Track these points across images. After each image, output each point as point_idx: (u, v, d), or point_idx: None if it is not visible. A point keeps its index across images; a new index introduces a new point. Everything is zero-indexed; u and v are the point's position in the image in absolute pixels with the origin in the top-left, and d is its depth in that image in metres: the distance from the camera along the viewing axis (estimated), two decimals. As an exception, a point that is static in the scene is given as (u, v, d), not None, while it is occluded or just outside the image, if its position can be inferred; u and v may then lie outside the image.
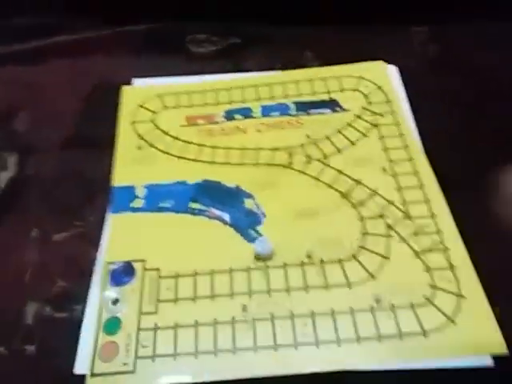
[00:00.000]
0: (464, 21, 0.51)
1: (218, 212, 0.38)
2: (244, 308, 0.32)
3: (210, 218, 0.38)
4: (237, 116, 0.45)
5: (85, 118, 0.46)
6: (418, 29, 0.52)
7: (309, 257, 0.35)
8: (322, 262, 0.34)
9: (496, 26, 0.50)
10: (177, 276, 0.34)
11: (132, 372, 0.30)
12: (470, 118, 0.43)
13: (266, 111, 0.45)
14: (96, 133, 0.44)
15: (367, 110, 0.44)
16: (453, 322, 0.31)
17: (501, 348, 0.30)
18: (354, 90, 0.46)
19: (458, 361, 0.30)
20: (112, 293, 0.33)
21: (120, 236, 0.37)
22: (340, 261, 0.34)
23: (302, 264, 0.34)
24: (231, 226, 0.37)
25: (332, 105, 0.45)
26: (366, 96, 0.45)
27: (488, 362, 0.29)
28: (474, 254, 0.34)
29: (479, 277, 0.33)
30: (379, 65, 0.48)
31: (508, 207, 0.37)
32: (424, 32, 0.52)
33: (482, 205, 0.37)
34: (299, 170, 0.40)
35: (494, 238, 0.35)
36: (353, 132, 0.43)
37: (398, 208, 0.37)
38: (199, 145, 0.42)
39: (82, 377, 0.30)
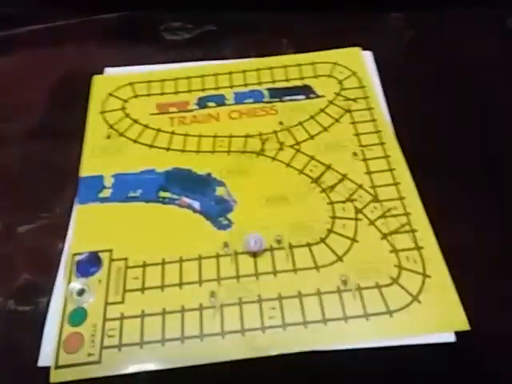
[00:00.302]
0: (439, 7, 0.51)
1: (188, 200, 0.38)
2: (212, 294, 0.32)
3: (180, 206, 0.37)
4: (210, 103, 0.44)
5: (53, 107, 0.45)
6: (395, 15, 0.52)
7: (278, 242, 0.35)
8: (290, 246, 0.34)
9: (470, 12, 0.50)
10: (144, 265, 0.34)
11: (98, 362, 0.30)
12: (441, 103, 0.43)
13: (240, 98, 0.44)
14: (65, 123, 0.44)
15: (341, 95, 0.44)
16: (418, 300, 0.31)
17: (464, 325, 0.30)
18: (329, 76, 0.46)
19: (422, 338, 0.30)
20: (77, 284, 0.33)
21: (87, 227, 0.36)
22: (309, 244, 0.34)
23: (272, 249, 0.34)
24: (201, 213, 0.37)
25: (306, 91, 0.45)
26: (340, 82, 0.45)
27: (451, 338, 0.30)
28: (440, 235, 0.34)
29: (444, 257, 0.33)
30: (354, 51, 0.48)
31: (473, 190, 0.37)
32: (400, 18, 0.52)
33: (449, 188, 0.37)
34: (271, 157, 0.40)
35: (460, 220, 0.35)
36: (326, 118, 0.42)
37: (367, 191, 0.37)
38: (170, 133, 0.42)
39: (48, 370, 0.30)
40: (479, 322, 0.30)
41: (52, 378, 0.29)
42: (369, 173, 0.38)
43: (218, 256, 0.34)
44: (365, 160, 0.39)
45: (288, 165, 0.39)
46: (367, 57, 0.47)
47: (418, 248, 0.34)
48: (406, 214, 0.35)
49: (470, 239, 0.34)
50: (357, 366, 0.30)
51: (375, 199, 0.36)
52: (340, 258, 0.33)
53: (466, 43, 0.48)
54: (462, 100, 0.43)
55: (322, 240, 0.34)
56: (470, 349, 0.30)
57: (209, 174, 0.39)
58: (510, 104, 0.43)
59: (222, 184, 0.38)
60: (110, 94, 0.45)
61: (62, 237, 0.36)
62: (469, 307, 0.31)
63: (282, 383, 0.30)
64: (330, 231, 0.35)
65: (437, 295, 0.31)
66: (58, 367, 0.30)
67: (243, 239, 0.34)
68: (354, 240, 0.34)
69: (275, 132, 0.42)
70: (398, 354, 0.30)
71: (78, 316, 0.32)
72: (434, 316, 0.31)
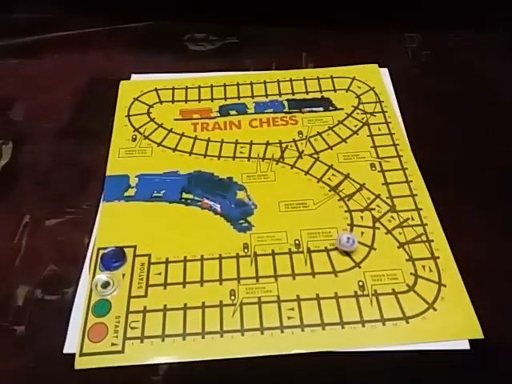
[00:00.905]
0: (454, 29, 0.53)
1: (209, 202, 0.39)
2: (232, 293, 0.33)
3: (202, 208, 0.38)
4: (231, 111, 0.46)
5: (82, 110, 0.47)
6: (411, 35, 0.54)
7: (297, 246, 0.36)
8: (309, 250, 0.35)
9: (482, 35, 0.52)
10: (167, 262, 0.35)
11: (121, 352, 0.31)
12: (455, 119, 0.44)
13: (260, 108, 0.46)
14: (92, 125, 0.45)
15: (359, 109, 0.45)
16: (433, 308, 0.32)
17: (477, 333, 0.31)
18: (347, 90, 0.47)
19: (437, 345, 0.31)
20: (102, 276, 0.34)
21: (112, 223, 0.37)
22: (327, 250, 0.35)
23: (290, 252, 0.35)
24: (222, 215, 0.38)
25: (325, 103, 0.46)
26: (358, 96, 0.47)
27: (465, 345, 0.31)
28: (454, 246, 0.35)
29: (459, 267, 0.34)
30: (372, 67, 0.49)
31: (487, 203, 0.38)
32: (417, 38, 0.54)
33: (463, 201, 0.38)
34: (291, 164, 0.41)
35: (473, 233, 0.36)
36: (344, 129, 0.44)
37: (384, 201, 0.38)
38: (193, 138, 0.43)
39: (72, 357, 0.31)
40: (492, 330, 0.31)
41: (77, 365, 0.30)
42: (386, 184, 0.39)
43: (238, 257, 0.35)
44: (382, 171, 0.40)
45: (307, 173, 0.40)
46: (384, 73, 0.49)
47: (434, 258, 0.35)
48: (423, 225, 0.36)
49: (483, 251, 0.35)
50: (371, 368, 0.31)
51: (393, 209, 0.37)
52: (358, 265, 0.34)
53: (479, 63, 0.50)
54: (475, 116, 0.45)
55: (340, 246, 0.35)
56: (483, 356, 0.30)
57: (230, 178, 0.40)
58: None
59: (242, 188, 0.40)
60: (136, 99, 0.47)
61: (88, 232, 0.37)
62: (482, 316, 0.31)
63: (297, 381, 0.31)
64: (348, 238, 0.36)
65: (452, 304, 0.32)
66: (82, 355, 0.31)
67: (337, 237, 0.35)
68: (371, 248, 0.35)
69: (295, 141, 0.43)
70: (414, 359, 0.30)
71: (102, 307, 0.33)
72: (448, 323, 0.31)
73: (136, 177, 0.40)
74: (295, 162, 0.41)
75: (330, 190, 0.39)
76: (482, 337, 0.31)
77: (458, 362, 0.30)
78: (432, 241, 0.35)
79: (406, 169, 0.40)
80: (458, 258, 0.34)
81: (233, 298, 0.33)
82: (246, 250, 0.36)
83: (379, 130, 0.43)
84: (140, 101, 0.47)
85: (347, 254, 0.35)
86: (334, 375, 0.31)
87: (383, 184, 0.39)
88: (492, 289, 0.33)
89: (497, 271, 0.35)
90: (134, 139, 0.43)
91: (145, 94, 0.47)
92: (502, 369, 0.31)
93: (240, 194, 0.39)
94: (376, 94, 0.47)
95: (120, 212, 0.38)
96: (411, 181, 0.39)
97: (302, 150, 0.42)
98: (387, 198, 0.38)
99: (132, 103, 0.47)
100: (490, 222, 0.37)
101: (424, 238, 0.36)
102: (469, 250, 0.35)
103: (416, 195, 0.38)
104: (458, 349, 0.31)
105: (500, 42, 0.52)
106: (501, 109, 0.45)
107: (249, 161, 0.42)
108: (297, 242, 0.36)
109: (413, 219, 0.37)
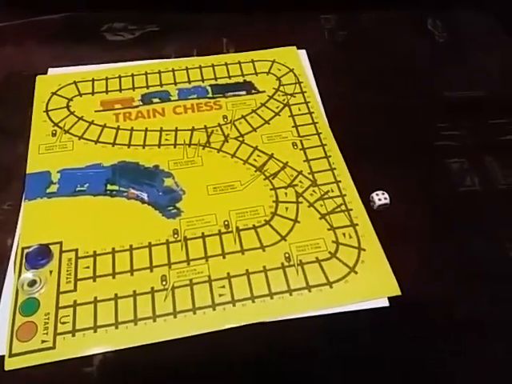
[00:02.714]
0: (369, 10, 0.55)
1: (136, 192, 0.39)
2: (163, 278, 0.34)
3: (128, 198, 0.38)
4: (154, 99, 0.46)
5: (-5, 107, 0.45)
6: (326, 16, 0.56)
7: (226, 226, 0.37)
8: (238, 229, 0.36)
9: (392, 14, 0.55)
10: (95, 255, 0.35)
11: (52, 348, 0.30)
12: (369, 95, 0.47)
13: (184, 94, 0.46)
14: (9, 122, 0.44)
15: (280, 91, 0.47)
16: (354, 271, 0.34)
17: (396, 290, 0.34)
18: (268, 73, 0.48)
19: (359, 305, 0.33)
20: (28, 275, 0.33)
21: (35, 221, 0.36)
22: (255, 227, 0.36)
23: (220, 233, 0.36)
24: (150, 204, 0.38)
25: (247, 87, 0.47)
26: (278, 78, 0.48)
27: (384, 303, 0.33)
28: (372, 212, 0.38)
29: (376, 232, 0.36)
30: (291, 50, 0.51)
31: (400, 169, 0.41)
32: (332, 19, 0.56)
33: (377, 170, 0.41)
34: (217, 149, 0.42)
35: (389, 197, 0.39)
36: (266, 111, 0.45)
37: (306, 177, 0.40)
38: (116, 128, 0.43)
39: (1, 358, 0.30)
40: (408, 287, 0.34)
41: (7, 366, 0.30)
42: (307, 160, 0.41)
43: (168, 243, 0.36)
44: (303, 149, 0.42)
45: (233, 155, 0.41)
46: (302, 55, 0.51)
47: (353, 225, 0.37)
48: (342, 196, 0.38)
49: (399, 214, 0.38)
50: (301, 333, 0.32)
51: (314, 184, 0.39)
52: (283, 238, 0.36)
53: (390, 42, 0.52)
54: (388, 92, 0.47)
55: (267, 222, 0.37)
56: (402, 311, 0.33)
57: (156, 166, 0.40)
58: (427, 93, 0.47)
59: (169, 175, 0.40)
60: (54, 93, 0.46)
61: (11, 232, 0.36)
62: (400, 275, 0.34)
63: (233, 355, 0.32)
64: (274, 214, 0.37)
65: (371, 266, 0.35)
66: (12, 355, 0.30)
67: (371, 198, 0.37)
68: (295, 221, 0.37)
69: (220, 125, 0.44)
70: (339, 321, 0.32)
71: (30, 306, 0.32)
72: (369, 284, 0.34)
73: (58, 172, 0.39)
74: (221, 145, 0.42)
75: (255, 171, 0.40)
76: (400, 293, 0.33)
77: (380, 318, 0.33)
78: (351, 210, 0.38)
79: (325, 145, 0.42)
80: (375, 223, 0.37)
81: (164, 283, 0.34)
82: (176, 236, 0.36)
83: (299, 110, 0.45)
84: (58, 95, 0.45)
85: (273, 229, 0.36)
86: (265, 345, 0.32)
87: (304, 161, 0.41)
88: (409, 250, 0.36)
89: (413, 234, 0.37)
90: (53, 134, 0.42)
91: (63, 87, 0.46)
92: (418, 321, 0.34)
93: (168, 181, 0.40)
94: (295, 75, 0.48)
95: (43, 209, 0.37)
96: (330, 156, 0.41)
97: (228, 134, 0.43)
98: (309, 173, 0.40)
99: (50, 98, 0.45)
100: (404, 187, 0.40)
101: (343, 207, 0.38)
102: (386, 214, 0.38)
103: (335, 169, 0.40)
104: (378, 307, 0.33)
105: (408, 21, 0.55)
106: (410, 83, 0.48)
107: (175, 148, 0.42)
108: (226, 222, 0.37)
109: (332, 191, 0.39)
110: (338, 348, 0.32)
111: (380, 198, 0.38)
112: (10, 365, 0.30)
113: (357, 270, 0.34)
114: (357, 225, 0.37)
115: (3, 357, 0.30)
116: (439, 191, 0.40)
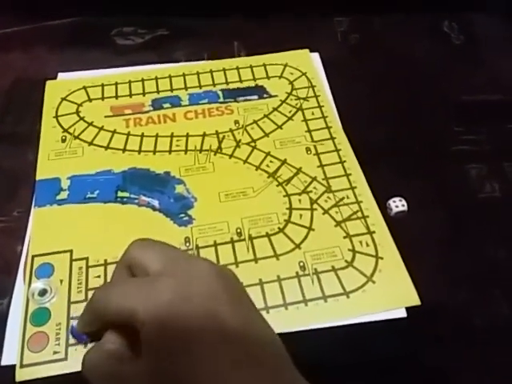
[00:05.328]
0: (382, 13, 0.54)
1: (147, 199, 0.38)
2: (176, 287, 0.33)
3: (139, 205, 0.38)
4: (165, 105, 0.45)
5: (6, 113, 0.45)
6: (339, 19, 0.55)
7: (238, 234, 0.36)
8: (250, 237, 0.36)
9: (408, 18, 0.54)
10: (106, 264, 0.34)
11: (64, 359, 0.30)
12: (384, 99, 0.46)
13: (195, 99, 0.46)
14: (18, 128, 0.43)
15: (292, 95, 0.46)
16: (372, 281, 0.33)
17: (415, 300, 0.33)
18: (280, 77, 0.48)
19: (377, 316, 0.32)
20: (39, 284, 0.33)
21: (45, 228, 0.36)
22: (268, 235, 0.36)
23: (232, 241, 0.35)
24: (161, 211, 0.37)
25: (259, 91, 0.46)
26: (291, 82, 0.47)
27: (402, 314, 0.32)
28: (389, 220, 0.37)
29: (395, 240, 0.35)
30: (303, 53, 0.50)
31: (417, 176, 0.40)
32: (345, 22, 0.55)
33: (394, 176, 0.40)
34: (229, 154, 0.41)
35: (407, 204, 0.38)
36: (279, 116, 0.44)
37: (320, 183, 0.39)
38: (126, 134, 0.42)
39: (12, 369, 0.29)
40: (428, 297, 0.33)
41: (18, 377, 0.29)
42: (321, 166, 0.40)
43: (180, 251, 0.35)
44: (317, 154, 0.41)
45: (245, 161, 0.41)
46: (315, 58, 0.50)
47: (370, 233, 0.36)
48: (358, 202, 0.38)
49: (417, 222, 0.37)
50: (317, 344, 0.31)
51: (329, 190, 0.38)
52: (298, 246, 0.35)
53: (404, 45, 0.52)
54: (402, 96, 0.46)
55: (281, 230, 0.36)
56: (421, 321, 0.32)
57: (167, 173, 0.40)
58: (443, 97, 0.46)
59: (180, 182, 0.39)
60: (64, 99, 0.45)
61: (21, 239, 0.36)
62: (419, 285, 0.33)
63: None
64: (288, 221, 0.36)
65: (389, 275, 0.34)
66: (23, 366, 0.29)
67: (387, 205, 0.36)
68: (310, 228, 0.36)
69: (231, 131, 0.43)
70: (355, 331, 0.31)
71: (41, 316, 0.31)
72: (387, 294, 0.33)
73: (68, 179, 0.39)
74: (233, 151, 0.41)
75: (268, 177, 0.40)
76: (419, 303, 0.32)
77: (398, 328, 0.32)
78: (367, 216, 0.37)
79: (340, 150, 0.41)
80: (392, 231, 0.36)
81: (177, 292, 0.33)
82: (187, 244, 0.35)
83: (313, 114, 0.44)
84: (68, 100, 0.45)
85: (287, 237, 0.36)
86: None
87: (318, 166, 0.40)
88: (427, 258, 0.35)
89: (431, 241, 0.36)
90: (63, 140, 0.42)
91: (73, 92, 0.46)
92: (438, 331, 0.33)
93: (179, 188, 0.39)
94: (308, 78, 0.48)
95: (53, 216, 0.37)
96: (345, 161, 0.40)
97: (240, 139, 0.42)
98: (323, 179, 0.39)
99: (60, 103, 0.45)
100: (422, 193, 0.39)
101: (360, 214, 0.37)
102: (403, 221, 0.37)
103: (350, 174, 0.39)
104: (396, 318, 0.32)
105: (423, 24, 0.54)
106: (426, 86, 0.47)
107: (186, 154, 0.41)
108: (238, 230, 0.36)
109: (348, 198, 0.38)
110: (354, 359, 0.32)
111: (397, 204, 0.37)
112: (22, 376, 0.29)
113: (374, 280, 0.33)
114: (374, 232, 0.36)
115: (14, 366, 0.29)
116: (458, 198, 0.39)
